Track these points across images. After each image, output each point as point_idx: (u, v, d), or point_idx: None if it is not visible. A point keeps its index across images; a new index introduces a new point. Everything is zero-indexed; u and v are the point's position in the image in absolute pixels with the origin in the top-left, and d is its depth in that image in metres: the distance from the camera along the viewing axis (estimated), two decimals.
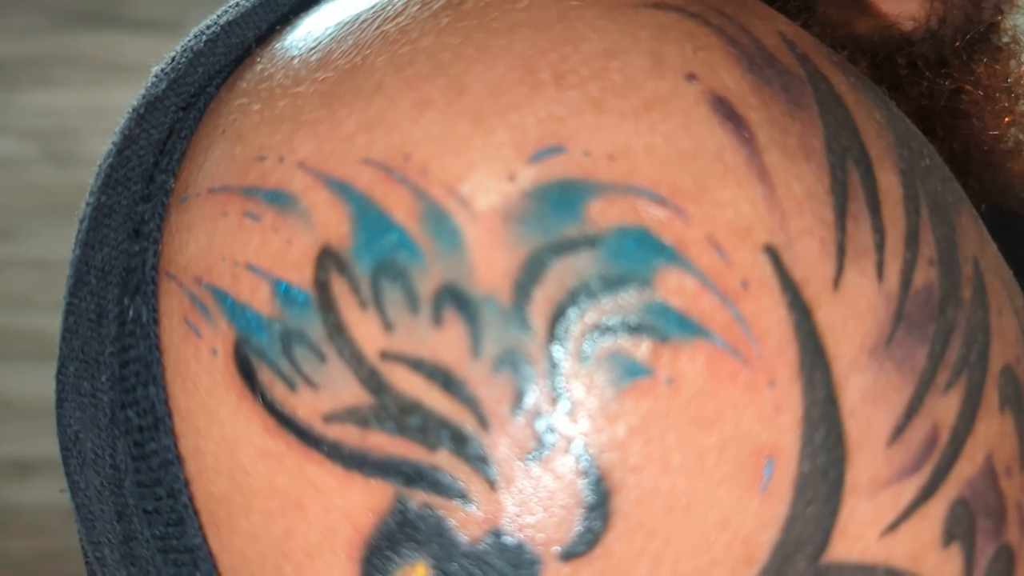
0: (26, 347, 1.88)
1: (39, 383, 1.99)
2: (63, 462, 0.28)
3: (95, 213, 0.27)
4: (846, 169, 0.22)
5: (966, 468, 0.23)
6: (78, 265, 0.27)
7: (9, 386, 1.87)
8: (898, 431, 0.22)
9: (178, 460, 0.24)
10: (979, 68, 0.32)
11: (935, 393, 0.22)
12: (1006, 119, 0.33)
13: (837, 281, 0.22)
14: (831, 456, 0.21)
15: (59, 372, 0.27)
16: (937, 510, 0.22)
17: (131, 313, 0.25)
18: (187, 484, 0.24)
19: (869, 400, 0.22)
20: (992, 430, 0.23)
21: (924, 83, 0.32)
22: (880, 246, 0.22)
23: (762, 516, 0.21)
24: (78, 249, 0.27)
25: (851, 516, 0.22)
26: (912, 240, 0.23)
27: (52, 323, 2.19)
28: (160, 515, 0.25)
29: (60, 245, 1.92)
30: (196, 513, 0.24)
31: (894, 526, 0.22)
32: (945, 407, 0.22)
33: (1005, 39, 0.34)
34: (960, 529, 0.23)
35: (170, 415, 0.24)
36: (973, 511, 0.23)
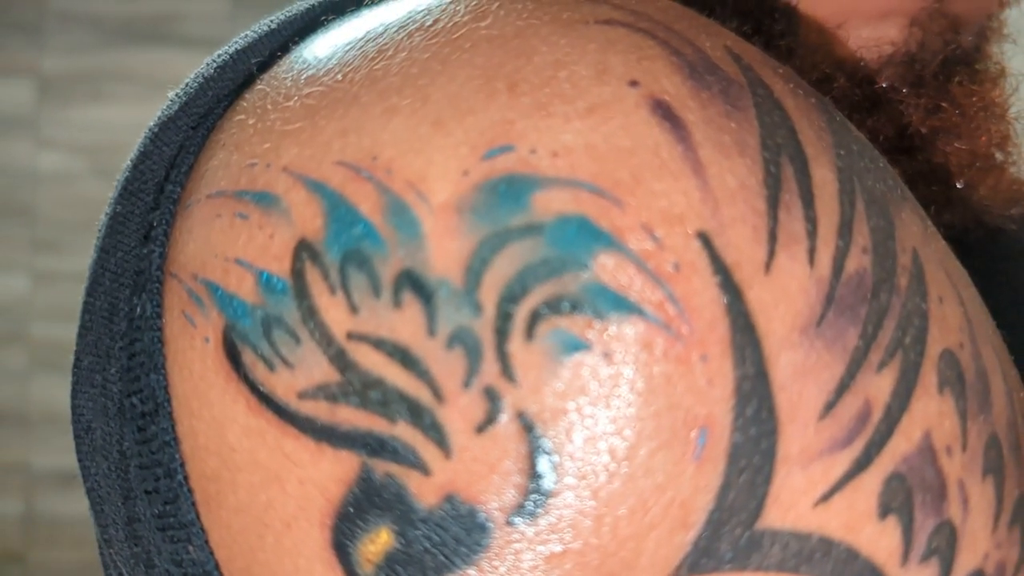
0: (70, 360, 1.90)
1: None
2: (76, 450, 0.30)
3: (111, 221, 0.29)
4: (780, 164, 0.24)
5: (901, 444, 0.24)
6: (95, 268, 0.29)
7: (57, 398, 1.90)
8: (829, 406, 0.23)
9: (175, 442, 0.26)
10: (956, 89, 0.34)
11: (867, 371, 0.23)
12: (982, 138, 0.34)
13: (768, 265, 0.23)
14: (763, 428, 0.23)
15: (74, 366, 0.29)
16: (871, 483, 0.23)
17: (139, 310, 0.27)
18: (182, 464, 0.26)
19: (800, 376, 0.23)
20: (930, 409, 0.24)
21: (902, 102, 0.33)
22: (812, 234, 0.23)
23: (697, 483, 0.22)
24: (95, 253, 0.30)
25: (784, 485, 0.23)
26: (845, 230, 0.24)
27: None
28: (159, 494, 0.26)
29: None
30: (190, 491, 0.26)
31: (827, 497, 0.23)
32: (878, 385, 0.23)
33: (988, 64, 0.36)
34: (897, 503, 0.23)
35: (169, 400, 0.26)
36: (910, 486, 0.24)
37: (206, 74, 0.30)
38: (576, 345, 0.22)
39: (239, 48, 0.30)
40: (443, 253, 0.23)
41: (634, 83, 0.24)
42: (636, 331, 0.22)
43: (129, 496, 0.27)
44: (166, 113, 0.29)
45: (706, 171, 0.23)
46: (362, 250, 0.23)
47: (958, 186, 0.35)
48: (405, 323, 0.23)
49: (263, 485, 0.24)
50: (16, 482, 1.94)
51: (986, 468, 0.25)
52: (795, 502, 0.23)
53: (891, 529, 0.23)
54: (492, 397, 0.23)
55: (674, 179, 0.23)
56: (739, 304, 0.23)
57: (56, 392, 1.90)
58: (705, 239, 0.23)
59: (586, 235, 0.23)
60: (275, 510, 0.24)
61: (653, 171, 0.23)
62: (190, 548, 0.26)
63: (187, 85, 0.30)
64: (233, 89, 0.28)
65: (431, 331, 0.23)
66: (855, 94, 0.33)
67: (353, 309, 0.23)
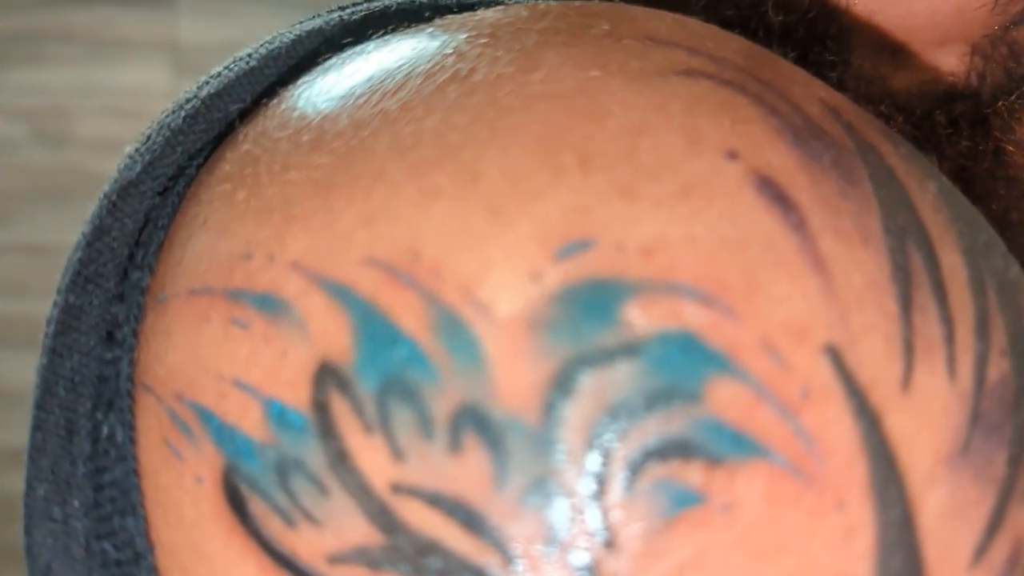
0: (21, 334, 1.85)
1: (34, 370, 1.97)
2: None
3: (63, 316, 0.24)
4: (907, 252, 0.20)
5: None
6: (45, 375, 0.24)
7: (4, 373, 1.85)
8: (980, 551, 0.20)
9: None
10: (1021, 128, 0.30)
11: (1016, 503, 0.20)
12: None
13: (906, 382, 0.19)
14: None
15: (26, 496, 0.24)
16: None
17: (105, 430, 0.22)
18: None
19: (948, 518, 0.19)
20: None
21: (964, 142, 0.29)
22: (950, 339, 0.20)
23: None
24: (44, 357, 0.24)
25: None
26: (982, 329, 0.20)
27: (47, 309, 2.17)
28: None
29: (54, 229, 1.88)
30: None
31: None
32: None
33: None
34: None
35: (151, 549, 0.21)
36: None
37: (172, 124, 0.24)
38: (687, 498, 0.18)
39: (212, 92, 0.25)
40: (513, 383, 0.18)
41: (732, 155, 0.19)
42: (760, 478, 0.18)
43: None
44: (125, 176, 0.24)
45: (829, 268, 0.19)
46: (407, 379, 0.19)
47: (1020, 235, 0.31)
48: (467, 473, 0.19)
49: None
50: None
51: None
52: None
53: None
54: (580, 566, 0.18)
55: (793, 280, 0.19)
56: (877, 435, 0.19)
57: (7, 367, 1.85)
58: (835, 355, 0.19)
59: (694, 357, 0.18)
60: None
61: (768, 270, 0.19)
62: None
63: (149, 139, 0.25)
64: (207, 143, 0.24)
65: (500, 483, 0.18)
66: (914, 136, 0.29)
67: (398, 455, 0.19)
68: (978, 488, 0.20)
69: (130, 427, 0.22)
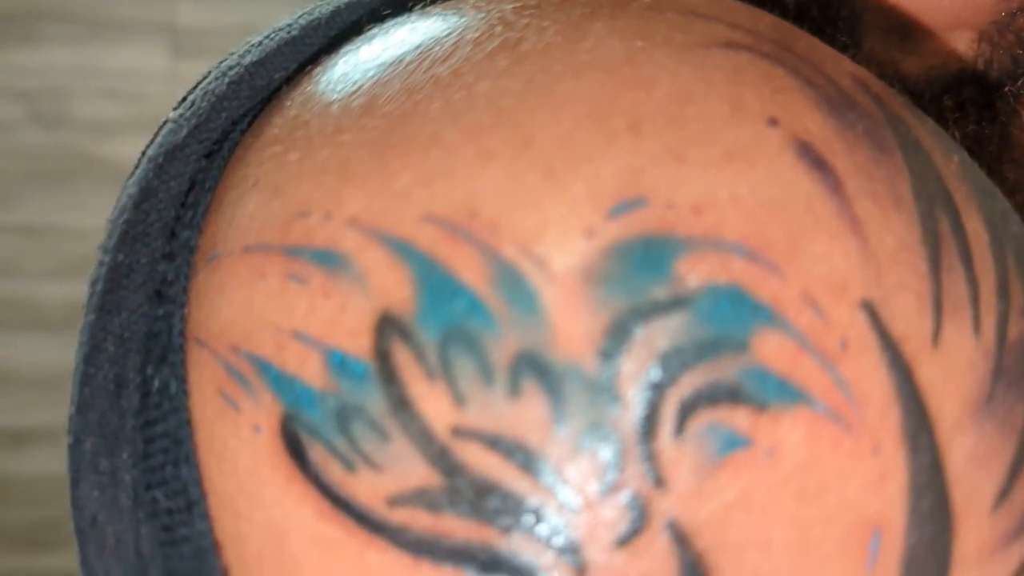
0: (16, 316, 1.85)
1: (30, 352, 1.97)
2: (79, 548, 0.25)
3: (110, 274, 0.25)
4: (935, 218, 0.22)
5: None
6: (93, 331, 0.25)
7: (3, 356, 1.85)
8: (1003, 494, 0.21)
9: (214, 548, 0.22)
10: None
11: None
12: None
13: (936, 337, 0.21)
14: (938, 526, 0.20)
15: (72, 448, 0.25)
16: None
17: (156, 383, 0.23)
18: (225, 573, 0.22)
19: (973, 463, 0.21)
20: None
21: (971, 126, 0.31)
22: (975, 298, 0.21)
23: None
24: (92, 314, 0.25)
25: None
26: (1003, 290, 0.22)
27: (42, 291, 2.16)
28: None
29: (49, 211, 1.88)
30: None
31: None
32: None
33: None
34: None
35: (204, 498, 0.22)
36: None
37: (217, 90, 0.25)
38: (734, 442, 0.20)
39: (255, 60, 0.25)
40: (570, 332, 0.20)
41: (773, 121, 0.21)
42: (803, 423, 0.20)
43: None
44: (171, 140, 0.25)
45: (864, 229, 0.21)
46: (467, 328, 0.20)
47: None
48: (525, 417, 0.20)
49: None
50: None
51: None
52: None
53: None
54: (636, 505, 0.19)
55: (832, 239, 0.20)
56: (910, 385, 0.20)
57: (2, 349, 1.84)
58: (870, 310, 0.20)
59: (742, 309, 0.20)
60: None
61: (808, 229, 0.20)
62: None
63: (193, 104, 0.26)
64: (251, 108, 0.25)
65: (558, 426, 0.19)
66: None
67: (459, 400, 0.20)
68: (1001, 436, 0.21)
69: (183, 380, 0.22)
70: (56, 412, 1.86)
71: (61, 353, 1.82)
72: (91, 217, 1.78)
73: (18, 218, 1.86)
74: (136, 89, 1.81)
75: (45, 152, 1.87)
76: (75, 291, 1.79)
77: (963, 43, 0.31)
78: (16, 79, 1.89)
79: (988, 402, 0.21)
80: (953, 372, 0.21)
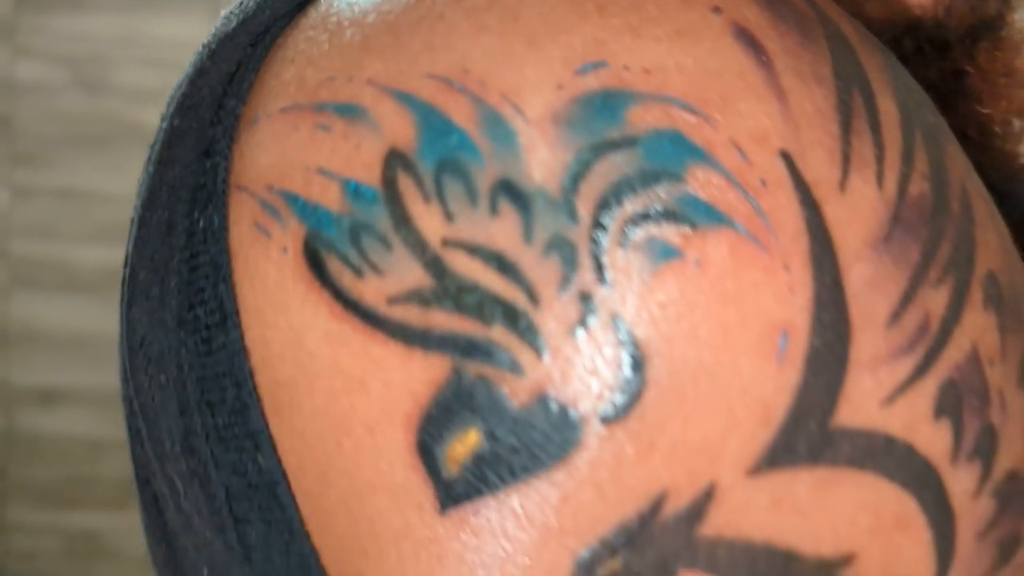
0: (50, 277, 1.87)
1: (63, 313, 1.99)
2: (128, 363, 0.29)
3: (168, 135, 0.29)
4: (851, 93, 0.26)
5: (954, 353, 0.26)
6: (151, 182, 0.29)
7: (34, 315, 1.87)
8: (895, 315, 0.25)
9: (243, 351, 0.26)
10: (980, 54, 0.36)
11: (927, 286, 0.25)
12: (1002, 103, 0.36)
13: (843, 184, 0.25)
14: (837, 333, 0.24)
15: (128, 280, 0.29)
16: (929, 387, 0.25)
17: (201, 224, 0.27)
18: (252, 373, 0.26)
19: (870, 287, 0.25)
20: (977, 323, 0.26)
21: (928, 64, 0.34)
22: (880, 159, 0.25)
23: (778, 383, 0.24)
24: (151, 167, 0.30)
25: (855, 387, 0.25)
26: (908, 156, 0.26)
27: (77, 253, 2.17)
28: (224, 404, 0.27)
29: (87, 175, 1.90)
30: (259, 400, 0.26)
31: (892, 398, 0.25)
32: (935, 299, 0.25)
33: (1011, 31, 0.37)
34: (949, 406, 0.25)
35: (237, 310, 0.26)
36: (960, 392, 0.26)
37: None
38: (669, 253, 0.24)
39: None
40: (540, 164, 0.24)
41: (717, 9, 0.25)
42: (726, 241, 0.24)
43: (186, 410, 0.28)
44: (223, 30, 0.30)
45: (787, 96, 0.25)
46: (457, 159, 0.24)
47: (980, 150, 0.36)
48: (502, 230, 0.24)
49: (345, 391, 0.25)
50: None
51: (1020, 380, 0.27)
52: (864, 403, 0.25)
53: (944, 430, 0.25)
54: (586, 300, 0.24)
55: (759, 101, 0.25)
56: (817, 219, 0.24)
57: (36, 309, 1.87)
58: (787, 158, 0.24)
59: (680, 149, 0.24)
60: (357, 415, 0.25)
61: (740, 93, 0.25)
62: (258, 457, 0.26)
63: (243, 4, 0.30)
64: (290, 9, 0.29)
65: (528, 238, 0.24)
66: None
67: (448, 217, 0.24)
68: (896, 269, 0.25)
69: (224, 218, 0.27)
70: (85, 373, 1.89)
71: (93, 315, 1.85)
72: (127, 182, 1.80)
73: (55, 180, 1.88)
74: (176, 58, 1.83)
75: (86, 117, 1.89)
76: (109, 255, 1.81)
77: None
78: (60, 44, 1.91)
79: (886, 240, 0.25)
80: (856, 213, 0.25)
